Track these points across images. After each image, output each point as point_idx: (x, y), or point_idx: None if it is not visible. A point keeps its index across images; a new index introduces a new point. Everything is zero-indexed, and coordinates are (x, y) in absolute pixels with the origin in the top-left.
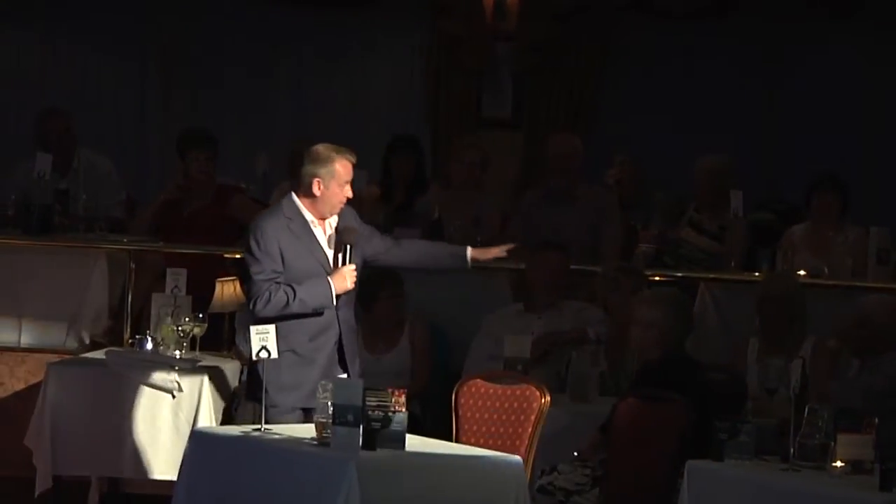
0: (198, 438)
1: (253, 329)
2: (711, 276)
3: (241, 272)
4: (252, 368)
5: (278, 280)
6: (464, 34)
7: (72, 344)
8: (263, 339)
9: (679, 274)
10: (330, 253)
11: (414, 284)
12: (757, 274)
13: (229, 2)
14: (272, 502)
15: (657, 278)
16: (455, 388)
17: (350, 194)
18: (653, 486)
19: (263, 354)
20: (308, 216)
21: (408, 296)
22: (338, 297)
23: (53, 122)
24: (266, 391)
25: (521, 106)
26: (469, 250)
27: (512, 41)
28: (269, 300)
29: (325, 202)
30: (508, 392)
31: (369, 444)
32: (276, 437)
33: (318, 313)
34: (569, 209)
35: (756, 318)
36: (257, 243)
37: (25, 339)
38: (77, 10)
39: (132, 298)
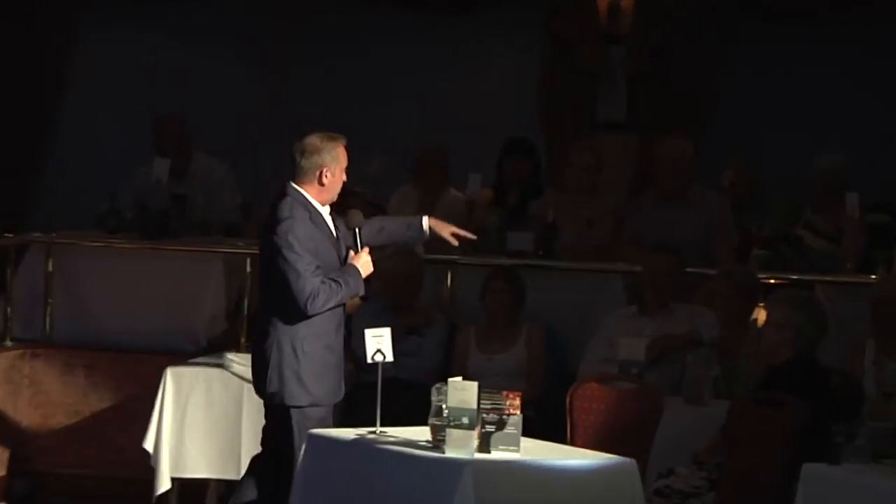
0: (313, 441)
1: (368, 333)
2: (827, 278)
3: (282, 272)
4: (260, 363)
5: (319, 275)
6: (578, 37)
7: (188, 347)
8: (379, 342)
9: (794, 276)
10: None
11: (532, 288)
12: (873, 276)
13: (344, 5)
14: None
15: (772, 281)
16: (570, 391)
17: (345, 177)
18: (769, 490)
19: (378, 358)
20: (318, 206)
21: (525, 299)
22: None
23: (170, 127)
24: (304, 387)
25: (635, 108)
26: (426, 219)
27: (626, 44)
28: (323, 297)
29: (331, 189)
30: (623, 395)
31: (484, 446)
32: (391, 439)
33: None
34: (681, 212)
35: (871, 320)
36: (298, 240)
37: (143, 342)
38: (191, 15)
39: (248, 302)
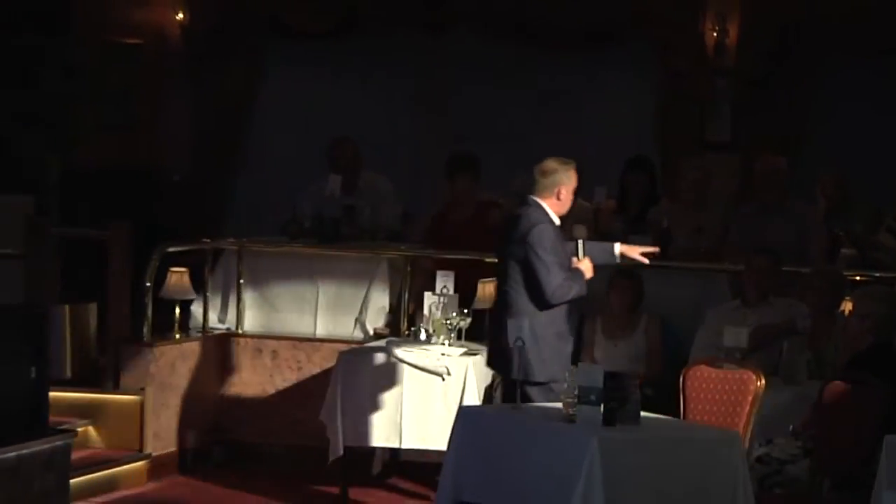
0: (464, 414)
1: (510, 322)
2: None
3: (533, 267)
4: (512, 350)
5: (562, 272)
6: (689, 70)
7: (358, 334)
8: (519, 330)
9: (876, 274)
10: None
11: (649, 284)
12: None
13: (490, 47)
14: (527, 469)
15: (857, 278)
16: (682, 373)
17: (572, 198)
18: (856, 458)
19: (519, 343)
20: (553, 217)
21: (644, 294)
22: None
23: (342, 149)
24: (543, 366)
25: (738, 131)
26: (617, 247)
27: (730, 76)
28: (565, 290)
29: (565, 203)
30: (728, 376)
31: (609, 420)
32: (530, 413)
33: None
34: (778, 219)
35: None
36: (549, 241)
37: (320, 331)
38: (358, 54)
39: (408, 296)
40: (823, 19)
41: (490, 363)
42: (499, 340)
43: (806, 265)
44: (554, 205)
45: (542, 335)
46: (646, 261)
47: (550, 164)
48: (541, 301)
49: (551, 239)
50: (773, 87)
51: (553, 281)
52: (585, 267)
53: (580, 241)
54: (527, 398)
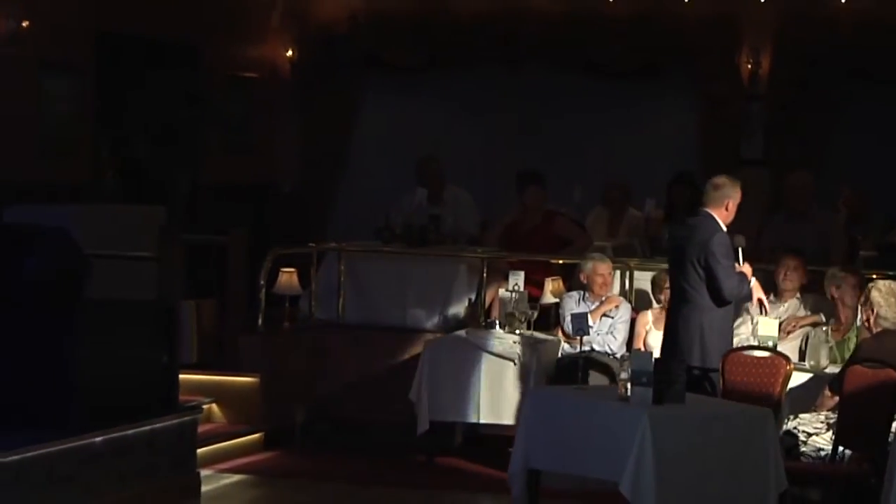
0: (533, 394)
1: (572, 314)
2: None
3: (713, 270)
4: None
5: (736, 274)
6: (727, 96)
7: (441, 325)
8: (580, 322)
9: (891, 273)
10: None
11: None
12: None
13: (556, 79)
14: (587, 442)
15: (874, 276)
16: (722, 358)
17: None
18: (873, 431)
19: (580, 333)
20: (723, 226)
21: None
22: None
23: (429, 165)
24: (712, 358)
25: (770, 149)
26: (754, 280)
27: (763, 101)
28: (738, 289)
29: (731, 214)
30: (762, 361)
31: (658, 399)
32: (591, 393)
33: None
34: (804, 226)
35: None
36: (725, 248)
37: (409, 322)
38: (447, 85)
39: (485, 292)
40: (844, 53)
41: (665, 351)
42: (677, 331)
43: (829, 265)
44: (722, 215)
45: (719, 328)
46: (755, 303)
47: (721, 179)
48: (719, 299)
49: (726, 246)
50: (800, 111)
51: (730, 282)
52: (747, 270)
53: (740, 249)
54: (710, 382)
